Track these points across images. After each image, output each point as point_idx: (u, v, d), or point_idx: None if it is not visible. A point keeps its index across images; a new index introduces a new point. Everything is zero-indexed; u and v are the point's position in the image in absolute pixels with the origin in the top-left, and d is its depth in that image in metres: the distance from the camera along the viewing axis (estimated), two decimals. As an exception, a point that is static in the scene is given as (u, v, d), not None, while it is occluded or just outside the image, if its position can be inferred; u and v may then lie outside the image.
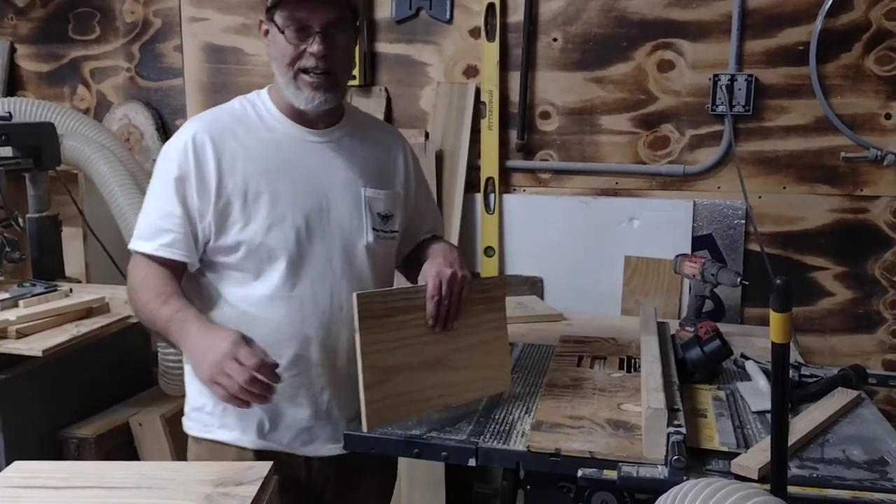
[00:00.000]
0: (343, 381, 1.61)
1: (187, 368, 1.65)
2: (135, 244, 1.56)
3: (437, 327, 1.52)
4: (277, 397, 1.42)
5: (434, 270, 1.52)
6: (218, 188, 1.52)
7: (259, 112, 1.60)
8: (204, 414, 1.63)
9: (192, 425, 1.66)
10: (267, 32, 1.56)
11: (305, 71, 1.51)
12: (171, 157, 1.54)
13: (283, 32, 1.50)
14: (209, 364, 1.38)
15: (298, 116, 1.60)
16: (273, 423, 1.60)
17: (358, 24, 1.57)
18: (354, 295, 1.41)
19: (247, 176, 1.53)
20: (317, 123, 1.62)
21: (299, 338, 1.57)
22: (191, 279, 1.60)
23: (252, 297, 1.57)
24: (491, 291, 1.65)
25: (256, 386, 1.35)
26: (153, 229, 1.53)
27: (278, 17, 1.50)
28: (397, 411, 1.48)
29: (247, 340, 1.39)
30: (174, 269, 1.55)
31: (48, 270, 2.57)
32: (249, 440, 1.60)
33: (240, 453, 1.60)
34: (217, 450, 1.61)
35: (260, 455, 1.57)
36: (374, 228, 1.62)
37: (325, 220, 1.58)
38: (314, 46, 1.49)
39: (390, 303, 1.48)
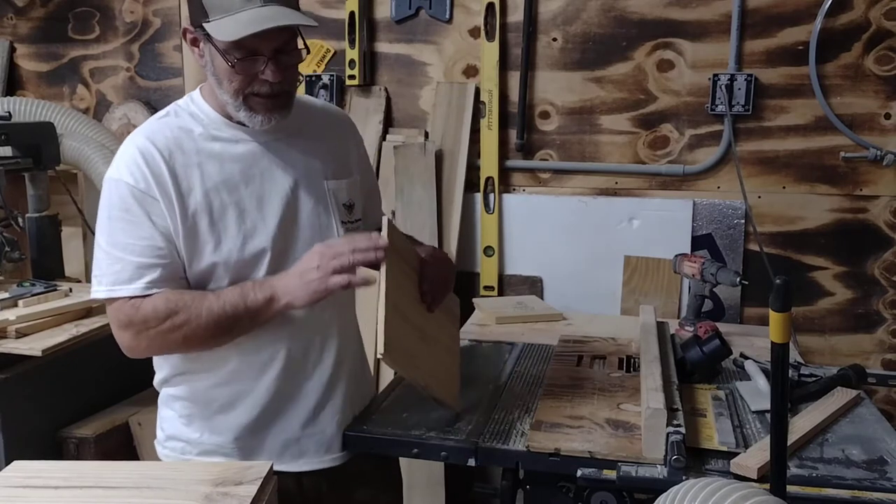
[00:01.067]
0: (330, 387, 1.54)
1: (162, 396, 1.57)
2: (115, 291, 1.39)
3: (428, 297, 1.51)
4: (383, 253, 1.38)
5: (430, 248, 1.55)
6: (181, 206, 1.39)
7: (199, 120, 1.46)
8: (180, 442, 1.54)
9: (168, 453, 1.56)
10: (196, 42, 1.42)
11: (257, 94, 1.40)
12: (121, 180, 1.39)
13: (227, 60, 1.36)
14: (315, 265, 1.36)
15: None
16: (258, 440, 1.51)
17: (302, 43, 1.43)
18: (385, 218, 1.44)
19: (206, 191, 1.41)
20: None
21: (283, 347, 1.48)
22: None
23: None
24: (449, 304, 1.65)
25: (365, 245, 1.35)
26: (132, 268, 1.38)
27: (219, 42, 1.35)
28: (403, 356, 1.41)
29: None
30: None
31: (48, 270, 2.57)
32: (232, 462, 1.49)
33: None
34: None
35: None
36: (343, 222, 1.53)
37: (296, 221, 1.47)
38: (268, 74, 1.37)
39: (404, 250, 1.49)
